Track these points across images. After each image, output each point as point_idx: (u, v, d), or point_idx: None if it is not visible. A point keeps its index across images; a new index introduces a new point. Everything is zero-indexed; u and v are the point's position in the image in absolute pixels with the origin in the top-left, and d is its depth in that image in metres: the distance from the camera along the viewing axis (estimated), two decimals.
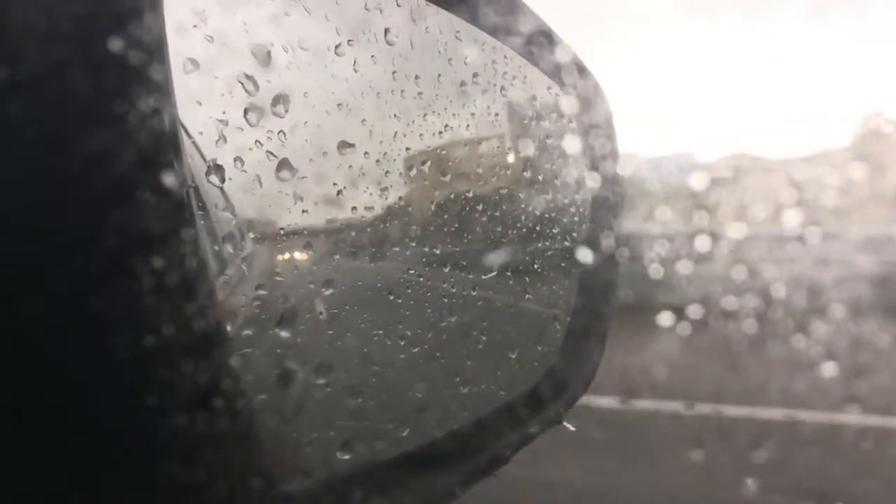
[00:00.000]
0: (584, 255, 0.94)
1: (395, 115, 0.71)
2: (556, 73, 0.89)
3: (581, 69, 0.90)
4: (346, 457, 0.61)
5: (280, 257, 0.63)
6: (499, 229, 0.87)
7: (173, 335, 0.37)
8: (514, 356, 0.89)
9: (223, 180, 0.56)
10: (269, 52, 0.56)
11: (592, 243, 0.95)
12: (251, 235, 0.63)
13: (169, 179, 0.37)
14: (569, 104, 0.91)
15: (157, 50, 0.38)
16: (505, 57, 0.84)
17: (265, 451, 0.45)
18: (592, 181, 0.93)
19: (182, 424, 0.38)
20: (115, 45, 0.35)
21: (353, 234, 0.69)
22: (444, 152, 0.78)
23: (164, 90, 0.38)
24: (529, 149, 0.92)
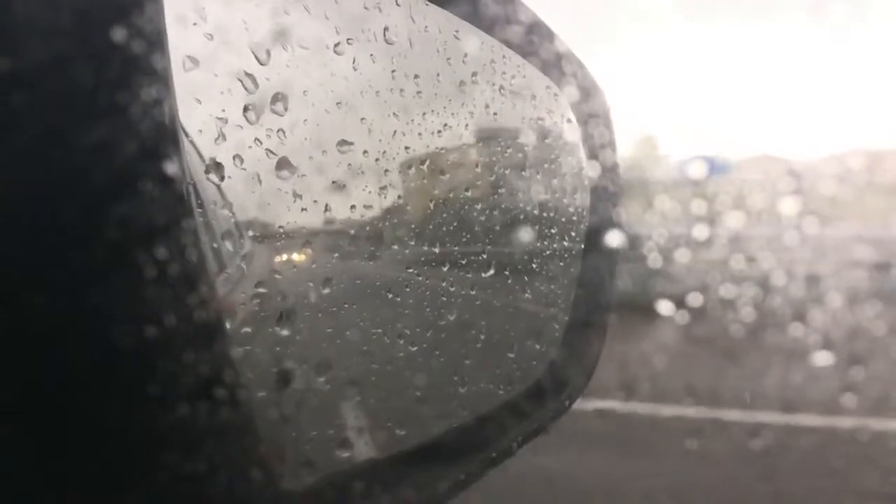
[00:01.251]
0: (584, 244, 0.95)
1: (394, 114, 0.71)
2: (554, 68, 0.89)
3: (579, 64, 0.91)
4: (346, 454, 0.61)
5: (279, 256, 0.63)
6: (497, 228, 0.87)
7: (175, 326, 0.37)
8: (512, 355, 0.90)
9: (222, 178, 0.56)
10: (268, 50, 0.56)
11: (592, 234, 0.95)
12: (250, 233, 0.64)
13: (170, 169, 0.37)
14: (567, 96, 0.92)
15: (157, 40, 0.38)
16: (504, 56, 0.84)
17: (266, 445, 0.45)
18: (592, 170, 0.93)
19: (183, 415, 0.38)
20: (116, 35, 0.35)
21: (351, 232, 0.69)
22: (443, 151, 0.78)
23: (164, 80, 0.38)
24: (528, 147, 0.92)
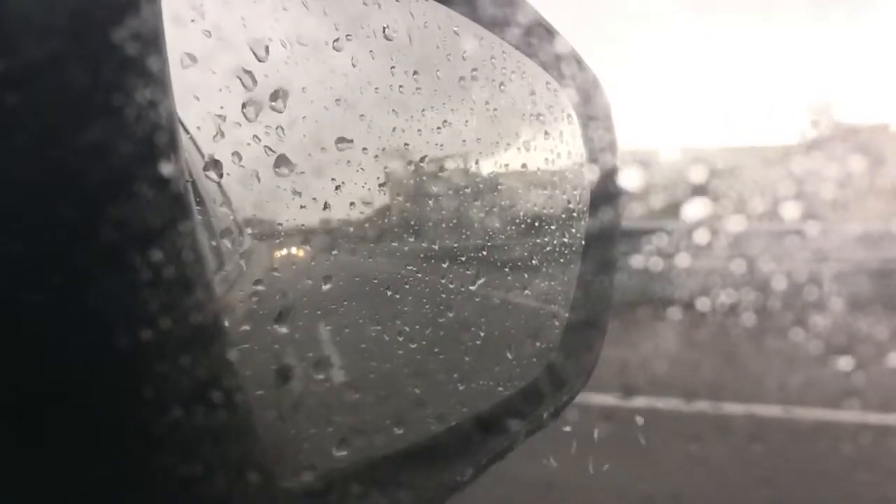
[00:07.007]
0: (584, 248, 0.95)
1: (393, 111, 0.71)
2: (554, 66, 0.88)
3: (579, 62, 0.90)
4: (344, 453, 0.61)
5: (278, 253, 0.63)
6: (497, 225, 0.87)
7: (170, 329, 0.37)
8: (512, 352, 0.89)
9: (221, 175, 0.56)
10: (267, 47, 0.56)
11: (592, 236, 0.95)
12: (249, 231, 0.63)
13: (166, 171, 0.37)
14: (568, 96, 0.91)
15: (154, 42, 0.38)
16: (503, 52, 0.84)
17: (263, 446, 0.45)
18: (591, 173, 0.93)
19: (180, 418, 0.38)
20: (113, 36, 0.35)
21: (350, 229, 0.68)
22: (442, 147, 0.78)
23: (161, 82, 0.38)
24: (528, 145, 0.92)
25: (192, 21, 0.50)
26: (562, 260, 0.98)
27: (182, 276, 0.38)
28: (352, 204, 0.67)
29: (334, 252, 0.67)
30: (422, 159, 0.75)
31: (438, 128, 0.76)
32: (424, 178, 0.77)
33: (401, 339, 0.73)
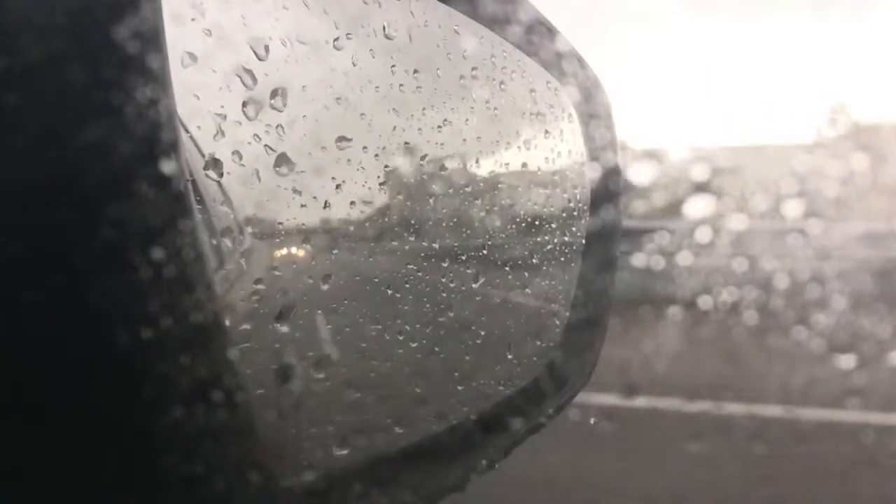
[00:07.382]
0: (584, 247, 0.95)
1: (393, 110, 0.71)
2: (554, 64, 0.88)
3: (580, 61, 0.90)
4: (345, 452, 0.61)
5: (278, 252, 0.63)
6: (497, 224, 0.87)
7: (171, 328, 0.37)
8: (512, 351, 0.89)
9: (221, 174, 0.56)
10: (267, 46, 0.56)
11: (592, 235, 0.95)
12: (249, 230, 0.63)
13: (166, 170, 0.37)
14: (568, 94, 0.91)
15: (154, 40, 0.38)
16: (504, 51, 0.83)
17: (264, 446, 0.45)
18: (592, 172, 0.93)
19: (180, 418, 0.38)
20: (113, 35, 0.35)
21: (351, 228, 0.69)
22: (442, 146, 0.78)
23: (161, 81, 0.38)
24: (528, 143, 0.92)
25: (193, 20, 0.50)
26: (562, 259, 0.97)
27: (182, 275, 0.38)
28: (352, 203, 0.67)
29: (335, 251, 0.67)
30: (422, 158, 0.75)
31: (439, 127, 0.76)
32: (425, 176, 0.77)
33: (401, 338, 0.73)
